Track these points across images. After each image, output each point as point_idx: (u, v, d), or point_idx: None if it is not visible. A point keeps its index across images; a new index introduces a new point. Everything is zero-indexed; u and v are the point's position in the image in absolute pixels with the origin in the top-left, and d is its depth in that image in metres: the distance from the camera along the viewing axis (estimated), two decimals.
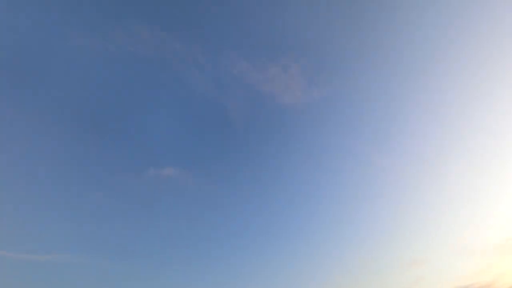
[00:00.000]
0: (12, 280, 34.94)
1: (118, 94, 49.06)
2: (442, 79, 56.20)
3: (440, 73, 56.18)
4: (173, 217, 49.72)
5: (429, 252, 48.29)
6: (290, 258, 50.70)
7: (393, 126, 56.63)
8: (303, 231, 53.28)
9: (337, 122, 57.61)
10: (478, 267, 44.94)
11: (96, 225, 43.48)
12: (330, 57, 56.50)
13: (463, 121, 54.65)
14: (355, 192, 55.78)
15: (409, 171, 55.16)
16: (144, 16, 48.17)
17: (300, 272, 48.98)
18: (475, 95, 54.51)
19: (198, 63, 52.23)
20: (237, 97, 55.41)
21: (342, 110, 57.50)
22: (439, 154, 55.04)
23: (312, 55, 56.19)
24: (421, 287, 44.19)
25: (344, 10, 54.59)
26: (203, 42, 52.10)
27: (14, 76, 41.14)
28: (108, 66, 47.26)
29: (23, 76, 41.85)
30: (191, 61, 51.74)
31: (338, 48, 56.32)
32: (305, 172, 56.79)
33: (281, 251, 51.16)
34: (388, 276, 46.56)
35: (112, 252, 42.44)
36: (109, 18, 46.02)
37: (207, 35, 52.00)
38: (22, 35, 41.36)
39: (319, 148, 57.10)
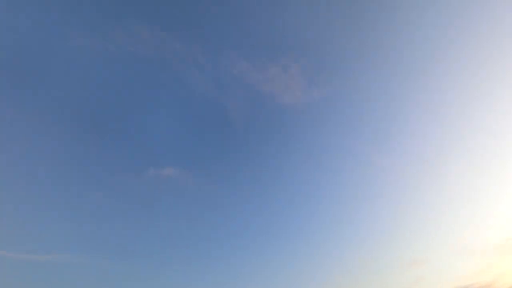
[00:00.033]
0: (12, 280, 34.98)
1: (118, 94, 49.12)
2: (442, 79, 56.26)
3: (440, 73, 56.25)
4: (173, 217, 49.78)
5: (429, 252, 48.37)
6: (290, 258, 50.78)
7: (393, 126, 56.69)
8: (303, 231, 53.34)
9: (337, 122, 57.67)
10: (478, 267, 45.01)
11: (96, 225, 43.53)
12: (330, 57, 56.56)
13: (463, 121, 54.72)
14: (355, 192, 55.86)
15: (409, 171, 55.23)
16: (144, 16, 48.23)
17: (300, 272, 49.05)
18: (475, 95, 54.57)
19: (198, 63, 52.29)
20: (237, 97, 55.46)
21: (342, 110, 57.56)
22: (439, 154, 55.11)
23: (312, 55, 56.25)
24: (421, 287, 44.27)
25: (344, 10, 54.64)
26: (203, 42, 52.17)
27: (14, 76, 41.18)
28: (108, 66, 47.31)
29: (23, 76, 41.89)
30: (191, 61, 51.80)
31: (338, 48, 56.38)
32: (305, 172, 56.84)
33: (281, 251, 51.23)
34: (388, 276, 46.62)
35: (112, 252, 42.50)
36: (109, 18, 46.07)
37: (207, 35, 52.07)
38: (22, 35, 41.41)
39: (319, 148, 57.15)
